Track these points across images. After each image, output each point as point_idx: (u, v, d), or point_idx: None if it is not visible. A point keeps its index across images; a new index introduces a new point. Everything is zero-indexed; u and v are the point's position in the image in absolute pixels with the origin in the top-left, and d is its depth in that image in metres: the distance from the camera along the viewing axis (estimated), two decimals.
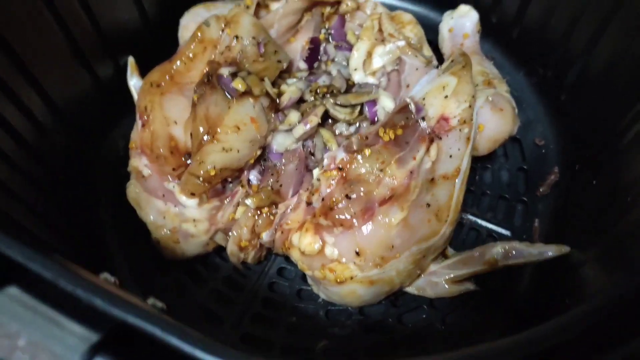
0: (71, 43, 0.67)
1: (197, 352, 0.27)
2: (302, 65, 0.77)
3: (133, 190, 0.68)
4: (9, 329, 0.29)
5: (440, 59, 0.79)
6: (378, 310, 0.66)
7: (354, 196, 0.58)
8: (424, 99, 0.62)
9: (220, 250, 0.70)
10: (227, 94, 0.65)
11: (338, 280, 0.59)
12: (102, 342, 0.28)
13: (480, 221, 0.71)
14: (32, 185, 0.58)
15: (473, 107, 0.62)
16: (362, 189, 0.58)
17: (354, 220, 0.57)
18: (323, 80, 0.74)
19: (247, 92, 0.65)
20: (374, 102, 0.70)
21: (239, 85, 0.64)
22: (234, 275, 0.70)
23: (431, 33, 0.81)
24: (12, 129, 0.57)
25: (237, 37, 0.68)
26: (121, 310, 0.28)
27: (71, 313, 0.30)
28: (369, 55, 0.74)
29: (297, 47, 0.78)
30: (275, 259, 0.71)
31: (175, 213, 0.66)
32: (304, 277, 0.69)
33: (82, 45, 0.68)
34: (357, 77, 0.74)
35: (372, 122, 0.69)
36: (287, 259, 0.70)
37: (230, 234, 0.66)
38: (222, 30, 0.69)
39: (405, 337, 0.63)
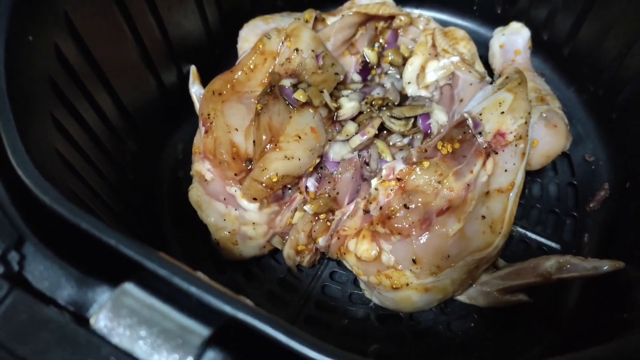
0: (142, 51, 0.71)
1: (306, 350, 0.30)
2: (356, 77, 0.80)
3: (195, 193, 0.71)
4: (129, 321, 0.32)
5: (489, 74, 0.81)
6: (428, 316, 0.68)
7: (412, 206, 0.60)
8: (480, 114, 0.64)
9: (274, 252, 0.73)
10: (289, 104, 0.68)
11: (394, 286, 0.61)
12: (214, 336, 0.31)
13: (530, 234, 0.73)
14: (109, 187, 0.62)
15: (528, 123, 0.63)
16: (420, 199, 0.60)
17: (412, 230, 0.60)
18: (377, 92, 0.76)
19: (308, 103, 0.68)
20: (427, 115, 0.72)
21: (300, 96, 0.67)
22: (288, 278, 0.73)
23: (481, 48, 0.82)
24: (91, 131, 0.61)
25: (297, 49, 0.71)
26: (232, 307, 0.31)
27: (182, 308, 0.33)
28: (423, 69, 0.77)
29: (352, 60, 0.81)
30: (327, 263, 0.74)
31: (235, 216, 0.69)
32: (355, 281, 0.71)
33: (152, 53, 0.72)
34: (410, 90, 0.76)
35: (426, 134, 0.71)
36: (339, 263, 0.73)
37: (287, 237, 0.69)
38: (282, 43, 0.72)
39: (455, 344, 0.65)
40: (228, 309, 0.31)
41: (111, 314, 0.32)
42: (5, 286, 0.32)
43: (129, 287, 0.33)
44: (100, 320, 0.32)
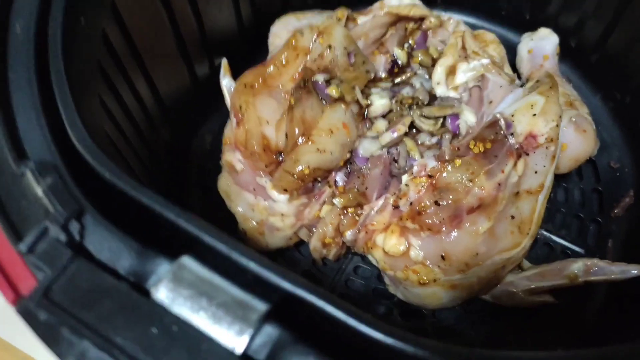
0: (179, 41, 0.72)
1: (362, 327, 0.30)
2: (385, 76, 0.81)
3: (225, 182, 0.72)
4: (190, 293, 0.33)
5: (517, 78, 0.82)
6: (451, 314, 0.69)
7: (443, 203, 0.61)
8: (512, 115, 0.65)
9: (299, 245, 0.74)
10: (322, 99, 0.69)
11: (421, 281, 0.62)
12: (273, 310, 0.32)
13: (554, 237, 0.74)
14: (146, 173, 0.63)
15: (559, 127, 0.64)
16: (451, 196, 0.61)
17: (442, 226, 0.60)
18: (406, 91, 0.77)
19: (340, 99, 0.69)
20: (456, 116, 0.73)
21: (333, 91, 0.68)
22: (313, 270, 0.73)
23: (509, 53, 0.83)
24: (132, 117, 0.62)
25: (329, 46, 0.72)
26: (291, 283, 0.32)
27: (240, 283, 0.33)
28: (452, 70, 0.77)
29: (381, 59, 0.82)
30: (352, 257, 0.74)
31: (264, 206, 0.70)
32: (379, 276, 0.72)
33: (188, 45, 0.73)
34: (440, 90, 0.77)
35: (454, 135, 0.72)
36: (363, 258, 0.74)
37: (315, 230, 0.70)
38: (315, 40, 0.73)
39: (478, 343, 0.66)
40: (287, 285, 0.32)
41: (171, 285, 0.33)
42: (69, 253, 0.33)
43: (187, 260, 0.34)
44: (161, 291, 0.33)
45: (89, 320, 0.31)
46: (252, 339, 0.31)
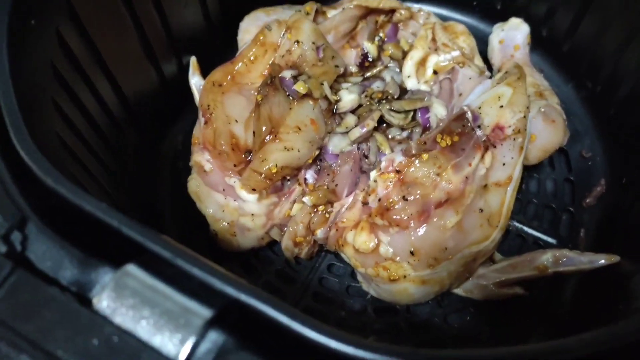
0: (143, 40, 0.71)
1: (306, 331, 0.30)
2: (356, 70, 0.80)
3: (194, 184, 0.71)
4: (132, 302, 0.32)
5: (489, 69, 0.81)
6: (424, 309, 0.69)
7: (411, 198, 0.60)
8: (480, 107, 0.64)
9: (273, 244, 0.74)
10: (289, 96, 0.68)
11: (391, 278, 0.61)
12: (217, 317, 0.31)
13: (526, 228, 0.73)
14: (109, 175, 0.62)
15: (527, 118, 0.64)
16: (418, 191, 0.61)
17: (410, 222, 0.60)
18: (377, 85, 0.77)
19: (308, 95, 0.68)
20: (426, 109, 0.72)
21: (300, 87, 0.68)
22: (286, 269, 0.73)
23: (481, 44, 0.83)
24: (93, 120, 0.61)
25: (297, 41, 0.71)
26: (235, 289, 0.31)
27: (185, 290, 0.33)
28: (423, 63, 0.77)
29: (352, 52, 0.81)
30: (325, 255, 0.74)
31: (234, 207, 0.69)
32: (352, 273, 0.72)
33: (153, 43, 0.72)
34: (410, 83, 0.77)
35: (425, 128, 0.72)
36: (337, 255, 0.73)
37: (286, 229, 0.69)
38: (283, 35, 0.72)
39: (451, 337, 0.66)
40: (231, 290, 0.31)
41: (114, 294, 0.32)
42: (8, 265, 0.32)
43: (132, 268, 0.34)
44: (103, 301, 0.32)
45: (29, 333, 0.31)
46: (195, 346, 0.30)
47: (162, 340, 0.30)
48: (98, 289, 0.33)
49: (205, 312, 0.32)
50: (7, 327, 0.31)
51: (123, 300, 0.32)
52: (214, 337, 0.31)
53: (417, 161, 0.61)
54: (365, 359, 0.30)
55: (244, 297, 0.31)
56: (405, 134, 0.72)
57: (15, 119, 0.39)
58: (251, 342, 0.31)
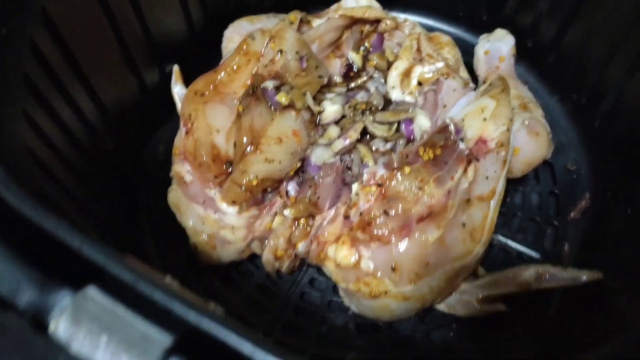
0: (123, 49, 0.70)
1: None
2: (340, 80, 0.80)
3: (174, 195, 0.70)
4: (90, 328, 0.31)
5: (474, 80, 0.81)
6: (407, 325, 0.67)
7: (392, 212, 0.59)
8: (463, 120, 0.64)
9: (254, 257, 0.72)
10: (271, 107, 0.67)
11: (372, 294, 0.60)
12: (177, 344, 0.30)
13: (510, 242, 0.73)
14: (84, 186, 0.60)
15: (510, 131, 0.63)
16: (400, 205, 0.60)
17: (392, 236, 0.59)
18: (361, 96, 0.76)
19: (290, 106, 0.67)
20: (410, 121, 0.71)
21: (282, 98, 0.67)
22: (267, 283, 0.71)
23: (466, 55, 0.82)
24: (67, 129, 0.59)
25: (281, 51, 0.70)
26: (196, 315, 0.30)
27: (145, 314, 0.31)
28: (407, 74, 0.76)
29: (337, 62, 0.80)
30: (307, 269, 0.73)
31: (214, 219, 0.68)
32: (335, 288, 0.70)
33: (133, 51, 0.71)
34: (395, 94, 0.76)
35: (409, 140, 0.71)
36: (319, 269, 0.72)
37: (266, 242, 0.68)
38: (266, 44, 0.71)
39: (434, 353, 0.65)
40: (192, 316, 0.30)
41: (72, 319, 0.31)
42: None
43: (92, 291, 0.32)
44: (60, 326, 0.30)
45: None
46: None
47: None
48: (56, 313, 0.32)
49: (165, 340, 0.30)
50: None
51: (81, 326, 0.31)
52: None
53: (399, 174, 0.61)
54: None
55: (205, 324, 0.30)
56: (389, 145, 0.71)
57: None
58: None
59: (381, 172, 0.62)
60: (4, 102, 0.46)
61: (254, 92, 0.67)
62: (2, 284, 0.33)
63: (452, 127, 0.62)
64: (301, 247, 0.67)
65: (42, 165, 0.50)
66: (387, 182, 0.61)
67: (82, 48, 0.62)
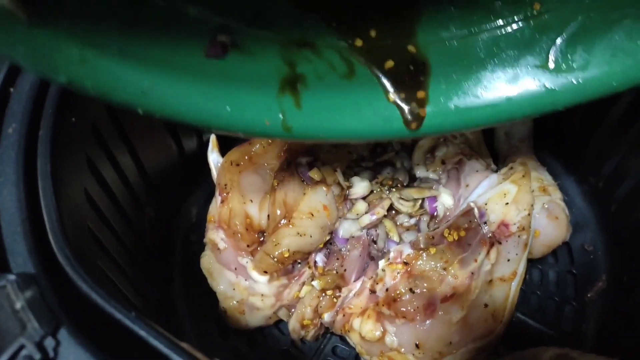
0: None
1: None
2: (367, 154, 0.84)
3: (207, 260, 0.74)
4: None
5: (494, 159, 0.85)
6: None
7: (417, 291, 0.62)
8: (486, 204, 0.67)
9: (279, 322, 0.75)
10: (304, 181, 0.71)
11: None
12: None
13: (529, 321, 0.75)
14: (128, 256, 0.64)
15: (531, 215, 0.67)
16: (425, 284, 0.63)
17: (417, 314, 0.62)
18: (387, 171, 0.80)
19: (321, 181, 0.72)
20: (434, 198, 0.75)
21: (315, 175, 0.71)
22: (291, 350, 0.74)
23: (487, 134, 0.86)
24: (116, 200, 0.64)
25: None
26: None
27: None
28: (431, 151, 0.80)
29: None
30: (330, 337, 0.75)
31: (245, 286, 0.71)
32: (357, 357, 0.73)
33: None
34: (419, 172, 0.80)
35: (432, 217, 0.74)
36: (342, 338, 0.74)
37: (294, 311, 0.71)
38: None
39: None
40: None
41: None
42: None
43: None
44: None
45: None
46: None
47: None
48: None
49: None
50: None
51: None
52: None
53: (424, 255, 0.64)
54: None
55: None
56: (413, 221, 0.75)
57: (54, 224, 0.42)
58: None
59: (408, 251, 0.65)
60: (69, 183, 0.50)
61: (289, 168, 0.72)
62: None
63: (475, 211, 0.66)
64: (327, 317, 0.69)
65: (98, 241, 0.54)
66: (414, 261, 0.64)
67: (132, 123, 0.67)
